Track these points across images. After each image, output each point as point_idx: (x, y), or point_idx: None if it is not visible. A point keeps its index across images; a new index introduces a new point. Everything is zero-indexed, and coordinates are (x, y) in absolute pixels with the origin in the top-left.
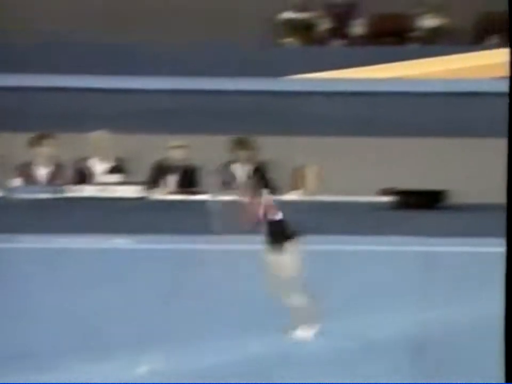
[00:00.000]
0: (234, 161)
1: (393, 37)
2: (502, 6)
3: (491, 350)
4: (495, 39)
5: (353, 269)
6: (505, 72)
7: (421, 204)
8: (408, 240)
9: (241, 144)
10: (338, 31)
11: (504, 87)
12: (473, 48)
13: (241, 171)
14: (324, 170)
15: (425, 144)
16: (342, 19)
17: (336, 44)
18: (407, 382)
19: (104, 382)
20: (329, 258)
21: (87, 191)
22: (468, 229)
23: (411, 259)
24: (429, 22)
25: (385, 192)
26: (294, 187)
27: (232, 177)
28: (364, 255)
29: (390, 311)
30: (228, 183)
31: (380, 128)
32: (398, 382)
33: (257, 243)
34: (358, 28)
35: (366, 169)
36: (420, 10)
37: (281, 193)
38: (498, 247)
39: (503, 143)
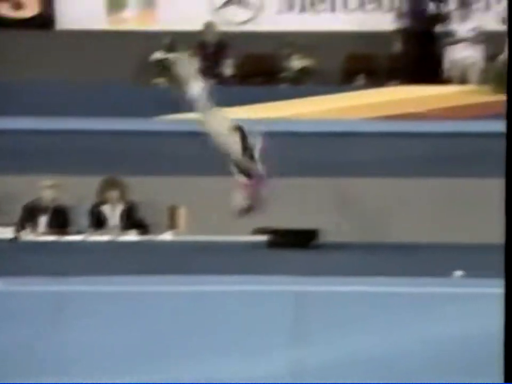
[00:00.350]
0: (104, 202)
1: (263, 77)
2: (368, 47)
3: None
4: (361, 79)
5: (226, 309)
6: (372, 113)
7: (293, 243)
8: (280, 279)
9: (111, 184)
10: (209, 71)
11: (374, 128)
12: (341, 89)
13: (111, 211)
14: (198, 210)
15: (297, 183)
16: (212, 59)
17: (207, 83)
18: (407, 382)
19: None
20: (201, 299)
21: None
22: (339, 268)
23: (283, 298)
24: (297, 62)
25: (259, 231)
26: (167, 227)
27: (103, 217)
28: (237, 295)
29: (261, 351)
30: (98, 224)
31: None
32: (398, 382)
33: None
34: (228, 68)
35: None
36: (288, 51)
37: (154, 233)
38: (366, 286)
39: (373, 182)
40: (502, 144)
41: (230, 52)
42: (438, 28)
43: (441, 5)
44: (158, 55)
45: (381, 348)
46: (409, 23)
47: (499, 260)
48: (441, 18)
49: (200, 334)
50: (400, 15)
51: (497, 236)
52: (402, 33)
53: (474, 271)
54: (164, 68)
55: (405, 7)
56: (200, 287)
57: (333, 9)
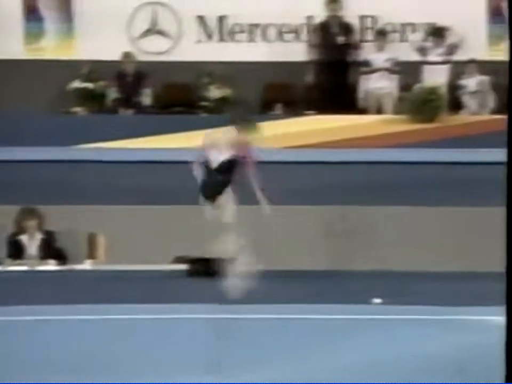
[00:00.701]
0: (22, 231)
1: (182, 107)
2: (286, 77)
3: None
4: (279, 109)
5: (144, 337)
6: (290, 142)
7: (213, 272)
8: (199, 308)
9: (29, 213)
10: (128, 100)
11: (291, 157)
12: (259, 118)
13: (29, 241)
14: (117, 239)
15: None
16: (131, 89)
17: (126, 113)
18: (408, 383)
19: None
20: (119, 327)
21: None
22: (259, 296)
23: (202, 326)
24: (216, 92)
25: (178, 260)
26: (87, 256)
27: (21, 247)
28: (156, 323)
29: (178, 379)
30: (16, 254)
31: (172, 196)
32: (399, 382)
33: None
34: (147, 97)
35: (160, 237)
36: (207, 81)
37: (73, 262)
38: (286, 314)
39: (292, 210)
40: (417, 172)
41: (148, 82)
42: (351, 58)
43: (352, 35)
44: (76, 84)
45: (299, 376)
46: (321, 53)
47: (414, 287)
48: (353, 48)
49: (117, 361)
50: (311, 46)
51: (406, 263)
52: (316, 63)
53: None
54: (82, 96)
55: (316, 38)
56: (118, 316)
57: (251, 39)
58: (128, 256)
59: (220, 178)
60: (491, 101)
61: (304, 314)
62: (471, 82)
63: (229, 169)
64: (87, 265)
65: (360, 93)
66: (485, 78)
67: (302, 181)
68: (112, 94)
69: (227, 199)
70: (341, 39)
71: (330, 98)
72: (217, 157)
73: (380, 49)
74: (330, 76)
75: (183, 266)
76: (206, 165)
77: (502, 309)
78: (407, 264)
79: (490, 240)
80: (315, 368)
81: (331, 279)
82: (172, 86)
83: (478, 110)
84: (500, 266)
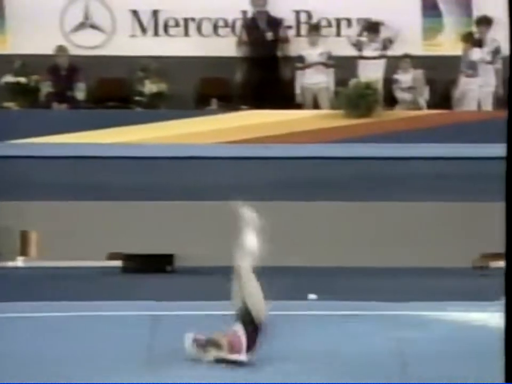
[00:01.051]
0: None
1: (117, 101)
2: (221, 72)
3: None
4: (215, 104)
5: (79, 335)
6: (225, 137)
7: (149, 268)
8: (135, 305)
9: None
10: (61, 95)
11: (226, 152)
12: (195, 113)
13: None
14: (51, 235)
15: (152, 207)
16: (64, 83)
17: (59, 108)
18: (408, 382)
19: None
20: (54, 325)
21: None
22: (194, 293)
23: (138, 323)
24: (150, 87)
25: (113, 256)
26: (19, 253)
27: None
28: (91, 320)
29: (114, 378)
30: None
31: (107, 192)
32: (398, 382)
33: None
34: (81, 92)
35: (94, 234)
36: (142, 75)
37: (5, 259)
38: (224, 310)
39: (227, 206)
40: (354, 167)
41: (82, 76)
42: (282, 53)
43: (282, 30)
44: (8, 78)
45: (235, 374)
46: (251, 49)
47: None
48: (282, 43)
49: (50, 359)
50: (241, 42)
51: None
52: (248, 59)
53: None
54: (14, 91)
55: (245, 34)
56: (52, 313)
57: (186, 33)
58: (62, 252)
59: None
60: (426, 95)
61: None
62: (406, 77)
63: None
64: (19, 262)
65: (296, 88)
66: (419, 72)
67: (238, 177)
68: (45, 88)
69: None
70: (269, 35)
71: (264, 94)
72: None
73: (314, 44)
74: (261, 71)
75: (118, 263)
76: None
77: (444, 304)
78: (341, 260)
79: (427, 235)
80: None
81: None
82: (106, 80)
83: (413, 105)
84: (437, 261)
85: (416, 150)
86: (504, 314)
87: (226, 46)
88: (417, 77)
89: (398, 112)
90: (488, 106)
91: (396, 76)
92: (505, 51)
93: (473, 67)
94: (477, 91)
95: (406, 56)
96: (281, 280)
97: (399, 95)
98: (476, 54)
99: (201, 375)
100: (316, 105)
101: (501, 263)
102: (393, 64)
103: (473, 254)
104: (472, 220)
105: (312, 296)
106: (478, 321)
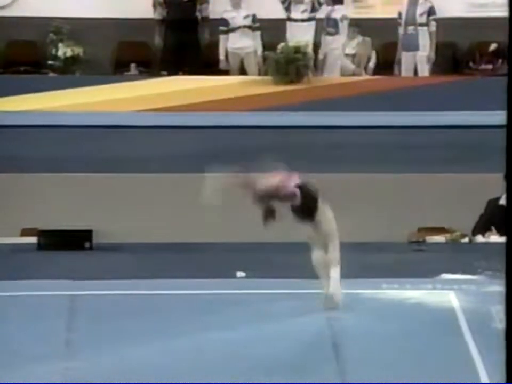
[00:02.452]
0: None
1: (28, 66)
2: (140, 36)
3: None
4: (134, 69)
5: None
6: (145, 105)
7: (65, 245)
8: (52, 284)
9: None
10: None
11: (145, 121)
12: (112, 79)
13: None
14: None
15: (67, 180)
16: None
17: None
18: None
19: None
20: None
21: None
22: (114, 271)
23: (55, 303)
24: (64, 50)
25: (27, 232)
26: None
27: None
28: (4, 300)
29: (31, 361)
30: None
31: (19, 163)
32: (396, 382)
33: None
34: None
35: (7, 208)
36: (54, 38)
37: None
38: (143, 289)
39: (148, 178)
40: (281, 137)
41: None
42: (200, 15)
43: None
44: None
45: (161, 354)
46: (168, 10)
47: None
48: (200, 4)
49: None
50: (156, 3)
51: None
52: (165, 21)
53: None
54: None
55: None
56: None
57: None
58: None
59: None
60: (373, 62)
61: (166, 290)
62: (351, 43)
63: None
64: None
65: (220, 54)
66: (367, 40)
67: (159, 147)
68: None
69: None
70: None
71: (185, 59)
72: None
73: (237, 5)
74: (180, 35)
75: (32, 239)
76: None
77: (378, 281)
78: (266, 236)
79: (360, 207)
80: (179, 345)
81: (189, 252)
82: (16, 43)
83: (354, 71)
84: (371, 235)
85: (348, 118)
86: (504, 314)
87: (144, 8)
88: (363, 43)
89: (330, 78)
90: (424, 71)
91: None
92: (439, 13)
93: (334, 25)
94: (340, 50)
95: (343, 18)
96: (208, 257)
97: (342, 61)
98: (337, 12)
99: (122, 359)
100: (242, 71)
101: (438, 238)
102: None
103: (410, 228)
104: (409, 191)
105: (240, 273)
106: (414, 298)
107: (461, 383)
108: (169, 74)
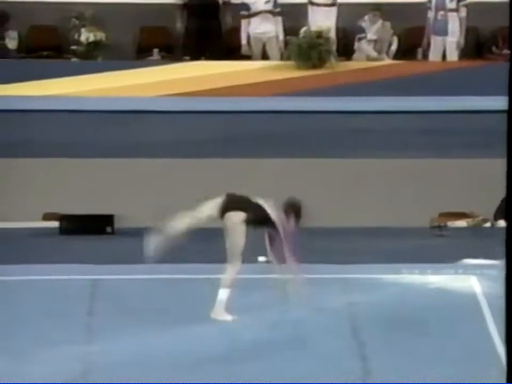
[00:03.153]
0: None
1: (51, 51)
2: (162, 21)
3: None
4: (156, 54)
5: (14, 300)
6: (169, 90)
7: (87, 229)
8: (74, 268)
9: None
10: None
11: (170, 106)
12: (135, 64)
13: None
14: None
15: (90, 165)
16: None
17: None
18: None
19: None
20: None
21: None
22: (135, 255)
23: (77, 287)
24: (87, 35)
25: (49, 217)
26: None
27: None
28: (28, 284)
29: (53, 346)
30: None
31: (41, 148)
32: (395, 382)
33: None
34: (12, 40)
35: (29, 193)
36: (77, 23)
37: None
38: (164, 274)
39: (171, 163)
40: (302, 123)
41: (14, 23)
42: (222, 0)
43: None
44: None
45: (181, 339)
46: None
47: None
48: None
49: None
50: None
51: None
52: (187, 6)
53: None
54: None
55: None
56: None
57: None
58: None
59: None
60: (394, 47)
61: (188, 274)
62: (373, 28)
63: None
64: None
65: (242, 39)
66: (387, 24)
67: (182, 132)
68: None
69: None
70: None
71: (207, 44)
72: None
73: None
74: (202, 19)
75: (54, 224)
76: None
77: (399, 266)
78: None
79: (382, 193)
80: (201, 329)
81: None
82: (38, 28)
83: (377, 56)
84: (393, 220)
85: (372, 103)
86: (504, 314)
87: None
88: (384, 28)
89: (352, 63)
90: (453, 57)
91: (363, 24)
92: None
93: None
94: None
95: (368, 4)
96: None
97: (364, 47)
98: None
99: (144, 342)
100: (264, 56)
101: (459, 223)
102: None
103: (432, 213)
104: (432, 177)
105: (261, 258)
106: (435, 283)
107: (454, 383)
108: (192, 59)
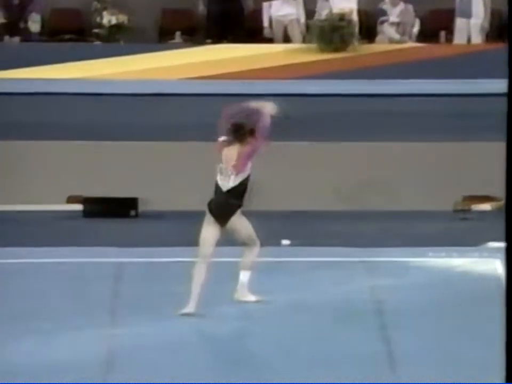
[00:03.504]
0: None
1: (73, 34)
2: (184, 3)
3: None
4: (178, 37)
5: (36, 283)
6: (191, 73)
7: (111, 212)
8: (98, 251)
9: None
10: (14, 26)
11: (192, 89)
12: (158, 47)
13: None
14: (9, 178)
15: (113, 147)
16: (17, 14)
17: (12, 41)
18: (405, 382)
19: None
20: (15, 272)
21: None
22: (159, 238)
23: (102, 270)
24: (109, 18)
25: (73, 200)
26: None
27: None
28: (52, 267)
29: (78, 328)
30: None
31: (64, 131)
32: (395, 382)
33: None
34: (35, 23)
35: (53, 176)
36: (98, 6)
37: None
38: (187, 257)
39: (194, 146)
40: (326, 106)
41: (37, 6)
42: None
43: None
44: None
45: (203, 325)
46: None
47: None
48: None
49: (7, 312)
50: None
51: None
52: None
53: None
54: None
55: None
56: (8, 260)
57: None
58: (18, 196)
59: (232, 202)
60: (416, 29)
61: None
62: (395, 10)
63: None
64: None
65: (264, 21)
66: (409, 6)
67: (205, 115)
68: None
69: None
70: None
71: (229, 27)
72: (226, 183)
73: None
74: (224, 2)
75: (78, 207)
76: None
77: (424, 250)
78: (316, 204)
79: (406, 177)
80: (224, 311)
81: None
82: (60, 11)
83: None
84: (417, 204)
85: (395, 86)
86: (505, 314)
87: None
88: (406, 10)
89: (375, 46)
90: (477, 39)
91: (384, 7)
92: None
93: None
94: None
95: None
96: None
97: (386, 29)
98: None
99: (168, 325)
100: (286, 39)
101: (483, 206)
102: None
103: (455, 196)
104: (455, 160)
105: (285, 241)
106: (460, 267)
107: (452, 383)
108: (214, 42)
